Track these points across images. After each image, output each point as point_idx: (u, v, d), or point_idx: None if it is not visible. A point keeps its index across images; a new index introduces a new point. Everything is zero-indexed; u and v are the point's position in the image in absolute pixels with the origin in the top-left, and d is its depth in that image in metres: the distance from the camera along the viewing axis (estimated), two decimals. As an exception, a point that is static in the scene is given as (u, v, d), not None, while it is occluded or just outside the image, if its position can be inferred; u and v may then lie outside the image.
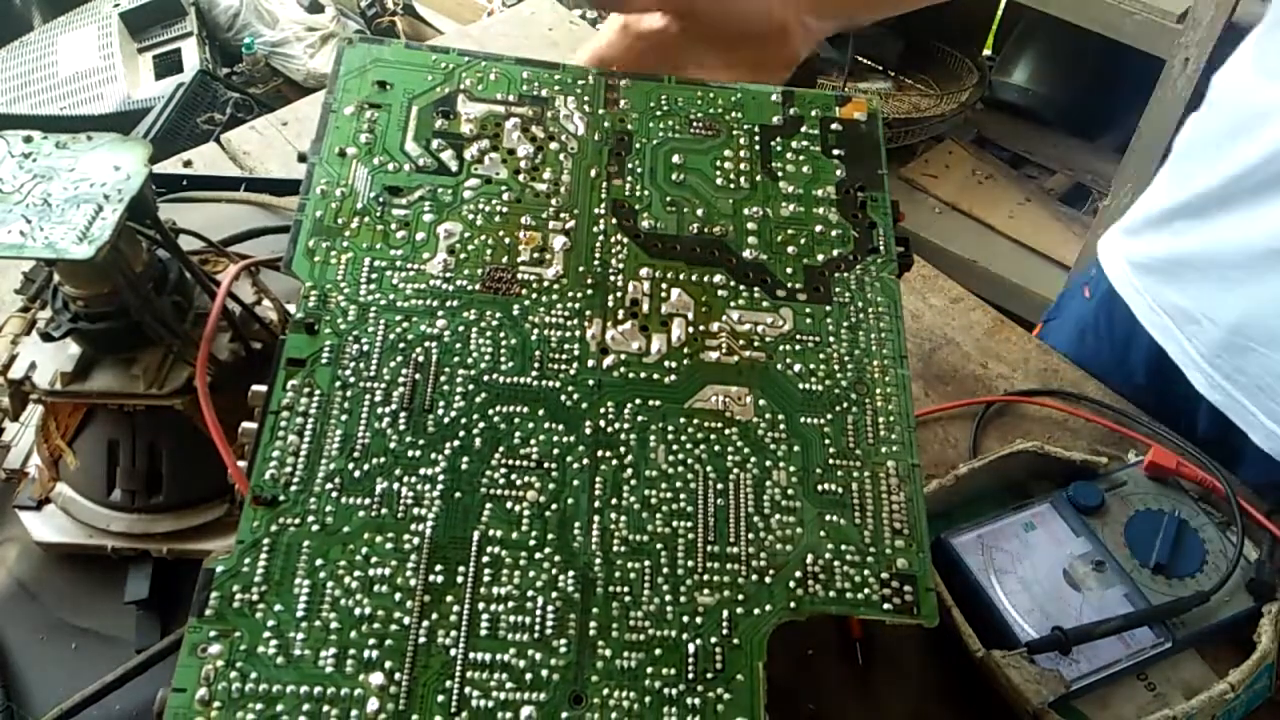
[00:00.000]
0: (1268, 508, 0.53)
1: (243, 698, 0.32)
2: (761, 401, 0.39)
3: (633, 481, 0.37)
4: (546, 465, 0.37)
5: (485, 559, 0.35)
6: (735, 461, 0.38)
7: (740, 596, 0.35)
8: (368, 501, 0.35)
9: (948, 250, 1.61)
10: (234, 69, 1.44)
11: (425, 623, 0.34)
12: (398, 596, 0.34)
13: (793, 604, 0.35)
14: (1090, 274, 0.74)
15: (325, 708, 0.32)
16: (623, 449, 0.38)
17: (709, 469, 0.38)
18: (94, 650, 0.45)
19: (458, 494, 0.36)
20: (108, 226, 0.36)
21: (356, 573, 0.34)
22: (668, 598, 0.35)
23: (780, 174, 0.46)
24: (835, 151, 0.47)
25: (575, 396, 0.39)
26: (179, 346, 0.42)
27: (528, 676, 0.33)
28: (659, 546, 0.36)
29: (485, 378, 0.38)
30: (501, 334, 0.40)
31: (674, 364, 0.40)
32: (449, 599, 0.34)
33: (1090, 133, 1.85)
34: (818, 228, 0.44)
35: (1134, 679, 0.47)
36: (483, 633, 0.34)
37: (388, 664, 0.33)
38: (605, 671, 0.34)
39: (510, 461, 0.37)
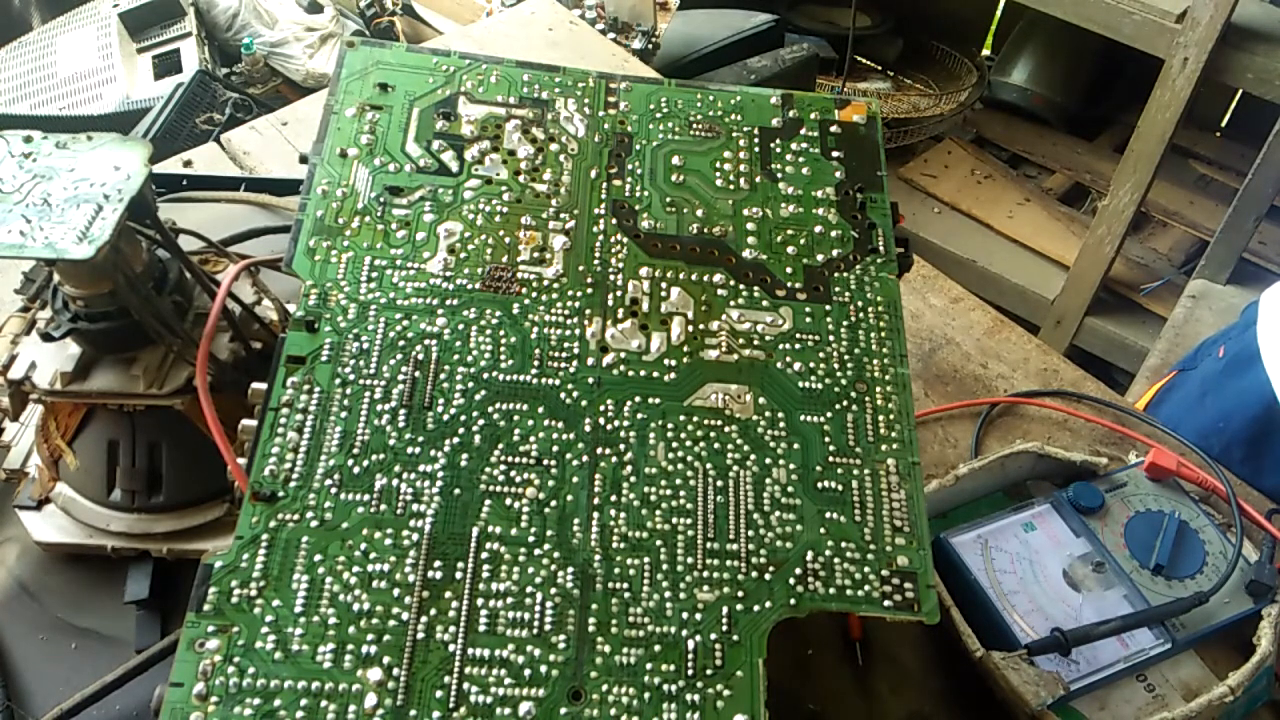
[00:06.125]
0: (1268, 509, 0.53)
1: (240, 693, 0.32)
2: (761, 399, 0.40)
3: (632, 479, 0.37)
4: (546, 462, 0.37)
5: (484, 555, 0.35)
6: (735, 459, 0.38)
7: (740, 593, 0.35)
8: (367, 498, 0.35)
9: (948, 250, 1.61)
10: (233, 69, 1.44)
11: (424, 618, 0.34)
12: (396, 592, 0.34)
13: (793, 601, 0.35)
14: (1229, 334, 0.70)
15: (323, 703, 0.32)
16: (622, 446, 0.38)
17: (709, 466, 0.38)
18: (94, 650, 0.45)
19: (457, 490, 0.36)
20: (108, 226, 0.36)
21: (355, 569, 0.34)
22: (667, 594, 0.35)
23: (780, 175, 0.46)
24: (834, 153, 0.47)
25: (575, 394, 0.39)
26: (179, 346, 0.42)
27: (526, 672, 0.33)
28: (658, 543, 0.36)
29: (485, 375, 0.39)
30: (501, 332, 0.40)
31: (674, 362, 0.40)
32: (448, 595, 0.34)
33: (1089, 133, 1.86)
34: (817, 228, 0.44)
35: (1133, 680, 0.47)
36: (481, 628, 0.34)
37: (386, 659, 0.33)
38: (604, 667, 0.34)
39: (510, 458, 0.37)
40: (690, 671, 0.34)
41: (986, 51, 2.01)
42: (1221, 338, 0.73)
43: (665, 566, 0.36)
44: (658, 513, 0.37)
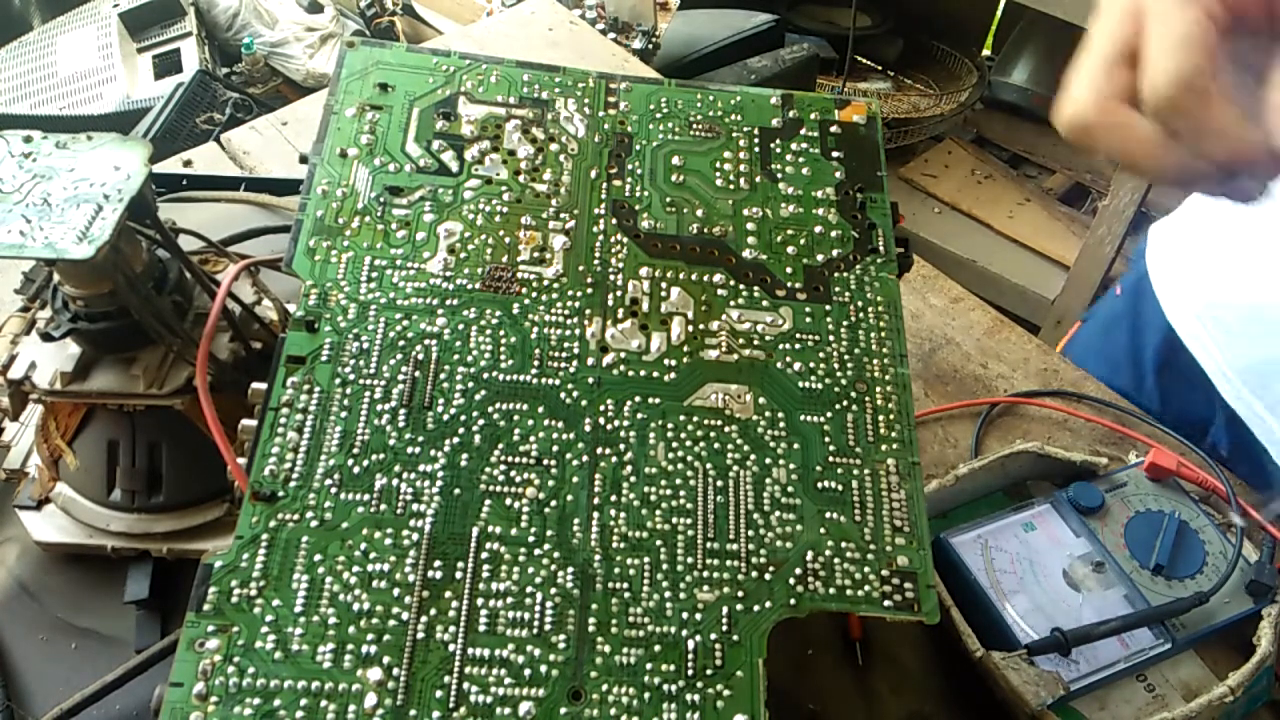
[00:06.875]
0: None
1: (240, 693, 0.32)
2: (761, 399, 0.40)
3: (632, 479, 0.37)
4: (546, 462, 0.37)
5: (484, 555, 0.35)
6: (735, 459, 0.38)
7: (740, 593, 0.35)
8: (367, 498, 0.35)
9: (948, 250, 1.61)
10: (233, 69, 1.44)
11: (424, 618, 0.34)
12: (396, 592, 0.34)
13: (793, 601, 0.36)
14: (1125, 272, 0.73)
15: (323, 703, 0.32)
16: (622, 446, 0.38)
17: (709, 466, 0.38)
18: (94, 650, 0.45)
19: (457, 490, 0.36)
20: (108, 226, 0.36)
21: (355, 568, 0.34)
22: (667, 594, 0.35)
23: (779, 175, 0.46)
24: (834, 154, 0.47)
25: (575, 394, 0.39)
26: (179, 346, 0.42)
27: (526, 672, 0.33)
28: (658, 543, 0.36)
29: (485, 375, 0.39)
30: (501, 332, 0.40)
31: (674, 362, 0.40)
32: (448, 595, 0.34)
33: (1090, 134, 1.85)
34: (817, 228, 0.44)
35: (1133, 680, 0.47)
36: (481, 628, 0.34)
37: (386, 659, 0.33)
38: (604, 667, 0.34)
39: (510, 458, 0.37)
40: (690, 671, 0.34)
41: (986, 51, 2.01)
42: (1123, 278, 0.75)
43: (665, 566, 0.36)
44: (658, 513, 0.37)
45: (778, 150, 0.46)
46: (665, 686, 0.33)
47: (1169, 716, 0.44)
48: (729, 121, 0.47)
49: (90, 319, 0.41)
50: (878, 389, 0.40)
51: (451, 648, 0.33)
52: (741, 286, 0.42)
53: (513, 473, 0.37)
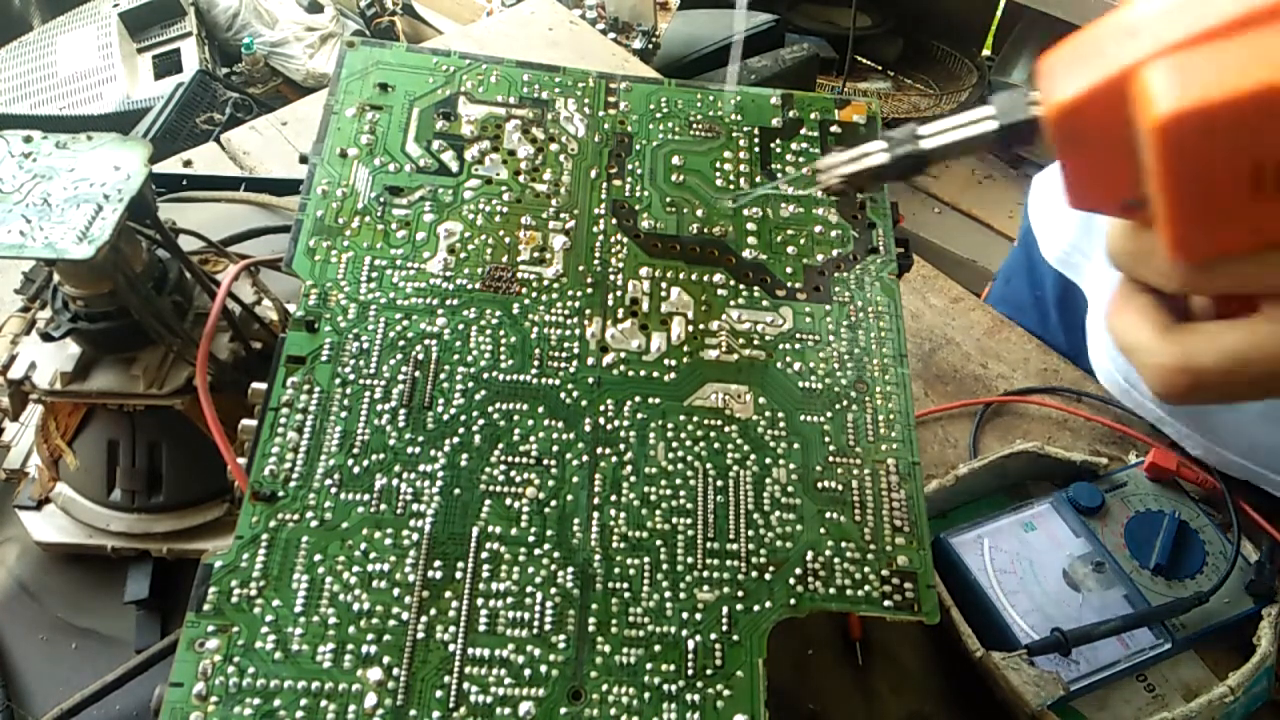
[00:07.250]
0: (1267, 509, 0.53)
1: (240, 693, 0.32)
2: (761, 399, 0.40)
3: (632, 478, 0.37)
4: (546, 462, 0.37)
5: (484, 555, 0.35)
6: (735, 459, 0.38)
7: (740, 593, 0.35)
8: (367, 498, 0.35)
9: (948, 250, 1.61)
10: (233, 69, 1.45)
11: (424, 618, 0.34)
12: (396, 592, 0.34)
13: (793, 601, 0.36)
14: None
15: (323, 703, 0.32)
16: (622, 446, 0.38)
17: (709, 466, 0.38)
18: (94, 650, 0.45)
19: (457, 490, 0.36)
20: (107, 226, 0.36)
21: (355, 568, 0.34)
22: (667, 594, 0.35)
23: (780, 175, 0.46)
24: (834, 152, 0.47)
25: (575, 394, 0.39)
26: (179, 346, 0.42)
27: (526, 672, 0.33)
28: (658, 543, 0.36)
29: (485, 375, 0.39)
30: (501, 332, 0.40)
31: (674, 362, 0.40)
32: (447, 595, 0.34)
33: (1090, 134, 1.85)
34: (817, 228, 0.44)
35: (1133, 680, 0.47)
36: (481, 628, 0.34)
37: (386, 659, 0.33)
38: (604, 667, 0.34)
39: (509, 458, 0.37)
40: (690, 671, 0.34)
41: (986, 51, 2.01)
42: None
43: (665, 566, 0.36)
44: (658, 513, 0.37)
45: (778, 150, 0.46)
46: (665, 686, 0.33)
47: (1169, 716, 0.44)
48: (729, 121, 0.47)
49: (90, 319, 0.41)
50: (878, 389, 0.40)
51: (451, 648, 0.33)
52: (741, 286, 0.42)
53: (513, 473, 0.37)
